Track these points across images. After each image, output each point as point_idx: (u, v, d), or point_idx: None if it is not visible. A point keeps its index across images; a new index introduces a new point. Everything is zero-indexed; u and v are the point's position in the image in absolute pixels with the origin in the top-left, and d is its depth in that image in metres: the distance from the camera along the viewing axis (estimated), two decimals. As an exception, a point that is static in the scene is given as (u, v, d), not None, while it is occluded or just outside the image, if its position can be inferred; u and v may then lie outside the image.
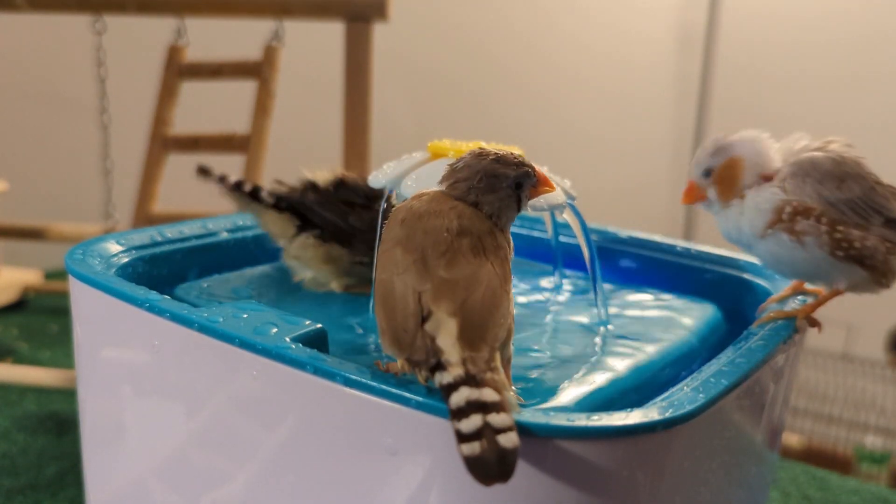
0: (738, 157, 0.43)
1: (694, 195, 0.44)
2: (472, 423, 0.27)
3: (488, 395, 0.28)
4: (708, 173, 0.44)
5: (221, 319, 0.35)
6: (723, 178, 0.43)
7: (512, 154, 0.35)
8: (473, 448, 0.26)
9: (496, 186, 0.34)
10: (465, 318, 0.30)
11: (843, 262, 0.41)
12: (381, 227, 0.45)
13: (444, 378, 0.29)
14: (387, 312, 0.31)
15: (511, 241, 0.35)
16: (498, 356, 0.31)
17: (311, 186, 0.51)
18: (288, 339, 0.33)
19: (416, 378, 0.30)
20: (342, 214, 0.50)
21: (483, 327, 0.31)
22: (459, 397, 0.28)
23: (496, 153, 0.35)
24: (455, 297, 0.31)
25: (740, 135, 0.44)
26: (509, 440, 0.27)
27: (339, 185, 0.52)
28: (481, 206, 0.34)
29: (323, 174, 0.53)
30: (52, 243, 0.94)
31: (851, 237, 0.41)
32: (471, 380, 0.28)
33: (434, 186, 0.37)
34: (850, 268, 0.41)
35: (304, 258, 0.49)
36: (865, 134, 2.12)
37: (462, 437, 0.27)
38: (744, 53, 2.17)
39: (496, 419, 0.27)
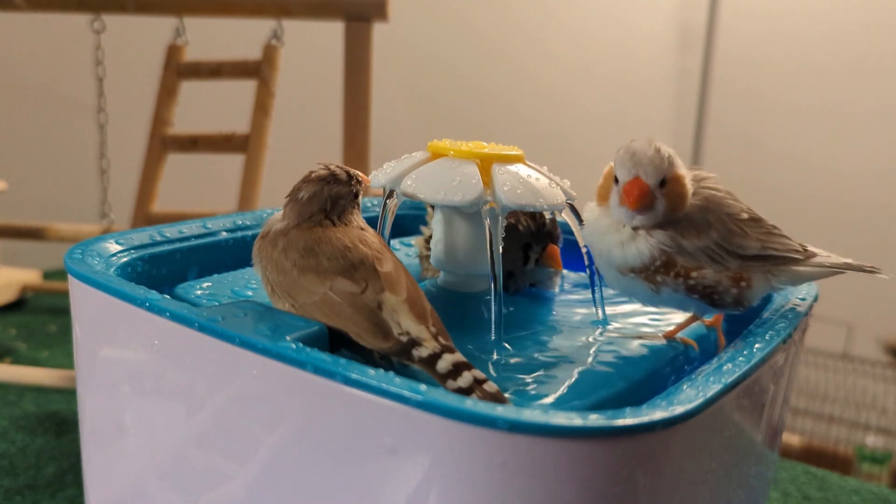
0: (681, 174, 0.41)
1: (645, 201, 0.40)
2: (465, 379, 0.33)
3: (460, 357, 0.34)
4: (663, 183, 0.40)
5: (221, 319, 0.35)
6: (672, 193, 0.41)
7: (339, 167, 0.41)
8: (474, 398, 0.31)
9: (343, 204, 0.40)
10: (410, 299, 0.36)
11: (696, 299, 0.41)
12: (381, 226, 0.46)
13: (422, 352, 0.34)
14: (352, 317, 0.35)
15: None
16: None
17: None
18: (288, 339, 0.33)
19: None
20: None
21: (421, 301, 0.37)
22: (445, 363, 0.34)
23: (329, 174, 0.40)
24: (399, 286, 0.37)
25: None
26: (491, 387, 0.33)
27: None
28: (342, 220, 0.40)
29: None
30: (51, 243, 0.94)
31: (705, 282, 0.41)
32: (447, 349, 0.34)
33: (431, 186, 0.42)
34: (701, 304, 0.42)
35: None
36: (862, 126, 2.12)
37: (462, 392, 0.32)
38: (743, 49, 2.18)
39: (476, 374, 0.33)
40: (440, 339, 0.35)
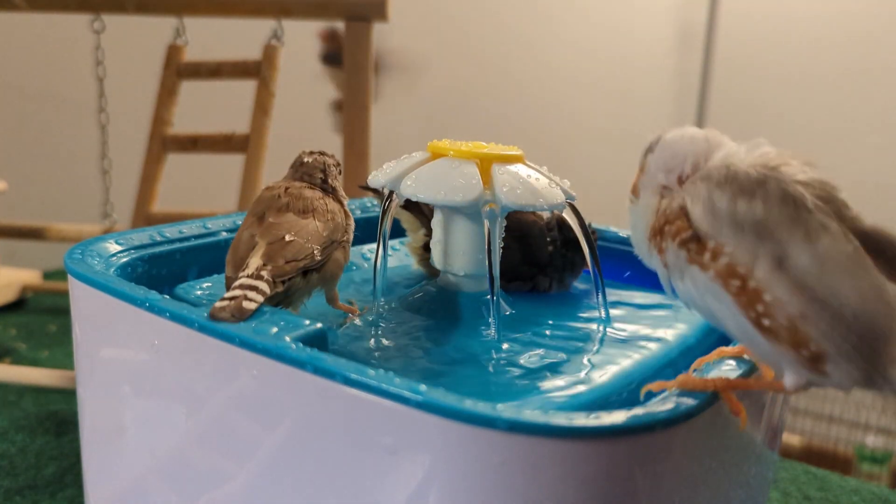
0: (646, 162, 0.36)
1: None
2: (233, 293, 0.36)
3: (260, 284, 0.37)
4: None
5: (221, 319, 0.35)
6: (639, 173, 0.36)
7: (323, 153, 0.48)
8: (223, 303, 0.35)
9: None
10: (271, 243, 0.40)
11: (729, 305, 0.29)
12: (381, 226, 0.46)
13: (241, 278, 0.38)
14: (231, 251, 0.41)
15: (349, 213, 0.46)
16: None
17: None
18: (288, 339, 0.33)
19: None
20: None
21: (283, 247, 0.40)
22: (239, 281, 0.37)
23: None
24: (273, 232, 0.41)
25: (678, 132, 0.36)
26: (251, 304, 0.36)
27: None
28: (327, 189, 0.46)
29: None
30: (51, 243, 0.94)
31: (729, 269, 0.28)
32: (254, 275, 0.38)
33: (431, 186, 0.43)
34: (745, 323, 0.29)
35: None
36: (862, 127, 2.12)
37: (221, 299, 0.36)
38: (743, 51, 2.18)
39: (252, 294, 0.36)
40: (265, 272, 0.38)
